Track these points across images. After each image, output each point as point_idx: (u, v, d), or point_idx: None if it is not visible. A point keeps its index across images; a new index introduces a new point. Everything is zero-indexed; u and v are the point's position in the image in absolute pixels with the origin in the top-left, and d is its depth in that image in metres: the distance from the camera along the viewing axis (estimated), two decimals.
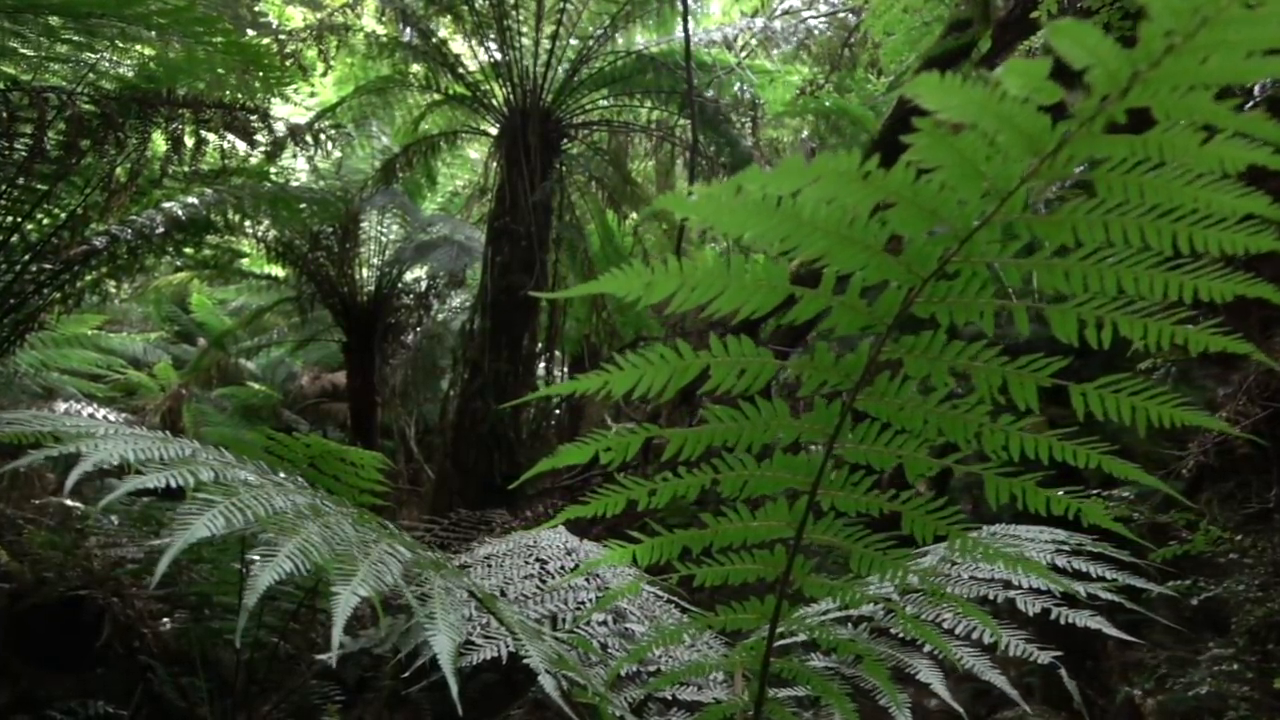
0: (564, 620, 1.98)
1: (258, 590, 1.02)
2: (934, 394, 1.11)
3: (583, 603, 2.02)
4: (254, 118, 6.14)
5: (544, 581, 2.08)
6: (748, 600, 1.50)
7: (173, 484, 1.15)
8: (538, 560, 2.18)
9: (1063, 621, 1.72)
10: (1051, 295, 0.93)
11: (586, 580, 2.10)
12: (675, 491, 1.25)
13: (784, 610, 1.38)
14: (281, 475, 1.50)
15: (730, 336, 1.02)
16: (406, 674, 1.82)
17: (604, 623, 2.00)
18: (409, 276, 10.62)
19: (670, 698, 1.82)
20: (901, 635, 1.75)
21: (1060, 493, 1.17)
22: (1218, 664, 2.72)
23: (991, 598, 1.70)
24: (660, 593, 2.22)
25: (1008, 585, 1.72)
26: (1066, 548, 1.83)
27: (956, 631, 1.68)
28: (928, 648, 1.69)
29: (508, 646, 1.79)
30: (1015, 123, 0.74)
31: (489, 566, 2.15)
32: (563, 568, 2.16)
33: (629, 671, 1.83)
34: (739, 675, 1.67)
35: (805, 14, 11.39)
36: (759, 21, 10.88)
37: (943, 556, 1.79)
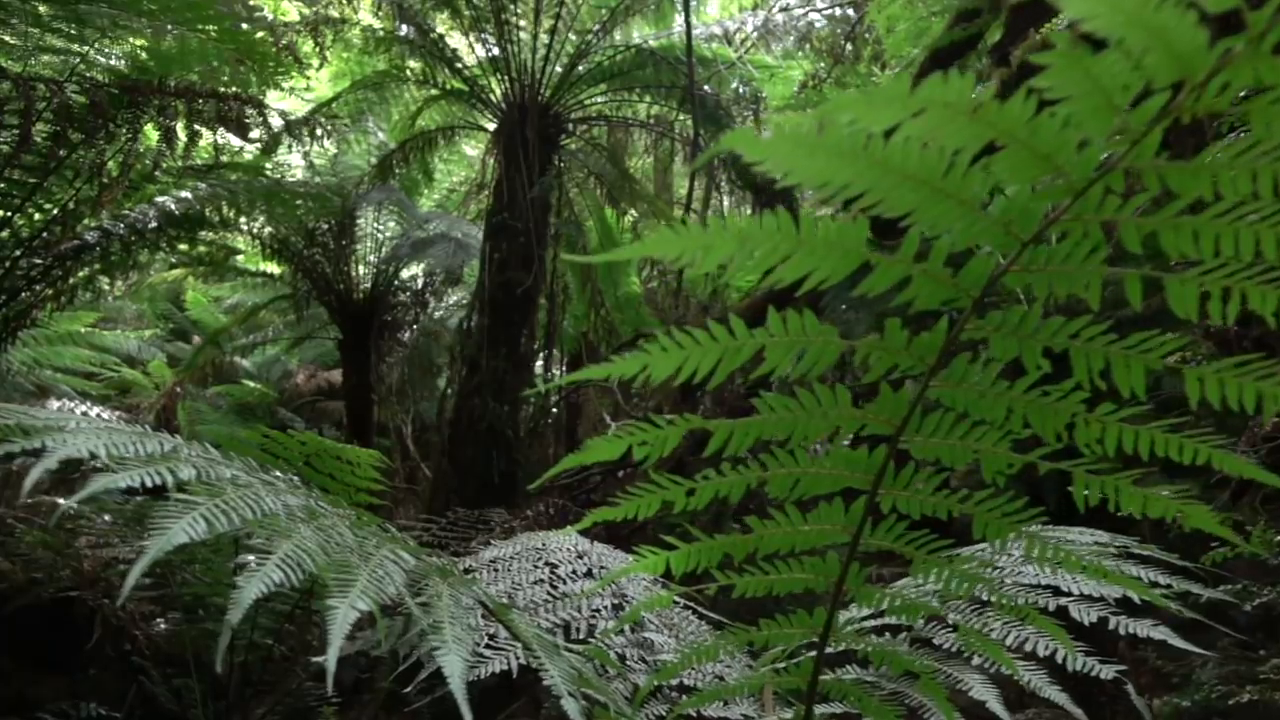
0: (577, 628, 1.85)
1: (243, 604, 0.90)
2: (1021, 379, 0.98)
3: (597, 610, 1.90)
4: (249, 108, 6.02)
5: (555, 587, 1.96)
6: (776, 608, 1.38)
7: (148, 482, 1.03)
8: (547, 564, 2.05)
9: (1122, 630, 1.60)
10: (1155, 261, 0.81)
11: (602, 587, 1.97)
12: (717, 491, 1.12)
13: (834, 623, 1.25)
14: (275, 474, 1.38)
15: (790, 311, 0.90)
16: (409, 688, 1.70)
17: (621, 631, 1.88)
18: (406, 274, 10.51)
19: (694, 714, 1.69)
20: (947, 646, 1.63)
21: (1161, 492, 1.05)
22: (1260, 671, 2.61)
23: (1042, 605, 1.58)
24: (676, 598, 2.10)
25: (1056, 592, 1.60)
26: (1112, 550, 1.72)
27: (1007, 642, 1.55)
28: (976, 659, 1.57)
29: (518, 658, 1.67)
30: (1169, 38, 0.62)
31: (495, 571, 2.02)
32: (574, 572, 2.04)
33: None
34: (767, 689, 1.55)
35: (801, 10, 11.29)
36: (760, 15, 10.77)
37: (979, 560, 1.67)
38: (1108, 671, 1.57)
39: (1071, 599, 1.59)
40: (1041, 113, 0.69)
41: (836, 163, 0.72)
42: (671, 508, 1.12)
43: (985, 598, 1.53)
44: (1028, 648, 1.54)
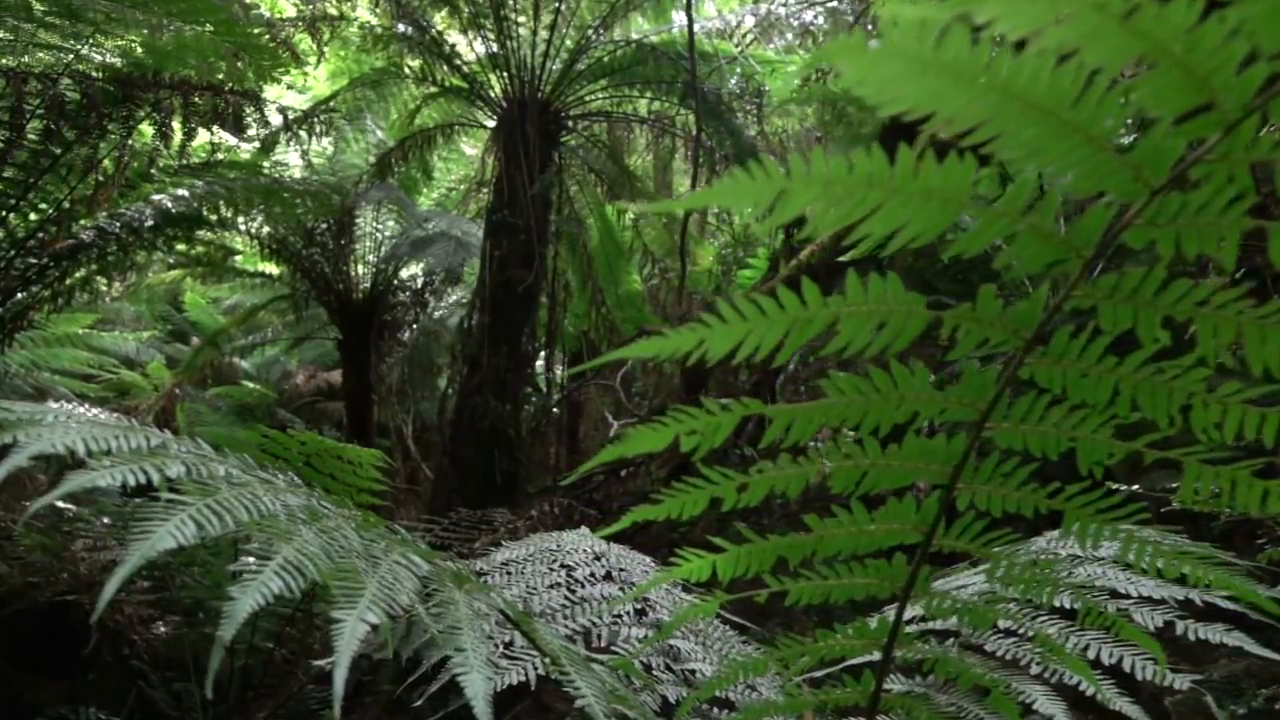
0: (598, 635, 1.74)
1: (237, 618, 0.79)
2: (1133, 355, 0.86)
3: (619, 615, 1.79)
4: (245, 102, 5.90)
5: (572, 591, 1.85)
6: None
7: (130, 479, 0.93)
8: (563, 567, 1.94)
9: (1191, 636, 1.48)
10: None
11: (621, 590, 1.86)
12: (772, 486, 1.01)
13: (901, 632, 1.14)
14: (273, 472, 1.27)
15: (873, 274, 0.78)
16: (420, 701, 1.59)
17: (644, 638, 1.77)
18: (405, 273, 10.43)
19: None
20: (1000, 654, 1.52)
21: None
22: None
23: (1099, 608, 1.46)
24: (693, 599, 1.99)
25: (1114, 594, 1.48)
26: (1165, 547, 1.60)
27: (1065, 647, 1.43)
28: (1034, 668, 1.46)
29: (535, 669, 1.56)
30: None
31: (509, 574, 1.91)
32: (592, 575, 1.92)
33: (678, 697, 1.60)
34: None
35: (800, 5, 11.19)
36: (762, 8, 10.68)
37: (1022, 562, 1.55)
38: (1183, 681, 1.46)
39: (1132, 601, 1.48)
40: (1207, 19, 0.57)
41: (951, 86, 0.61)
42: (720, 504, 1.01)
43: (1036, 601, 1.41)
44: (1090, 654, 1.43)
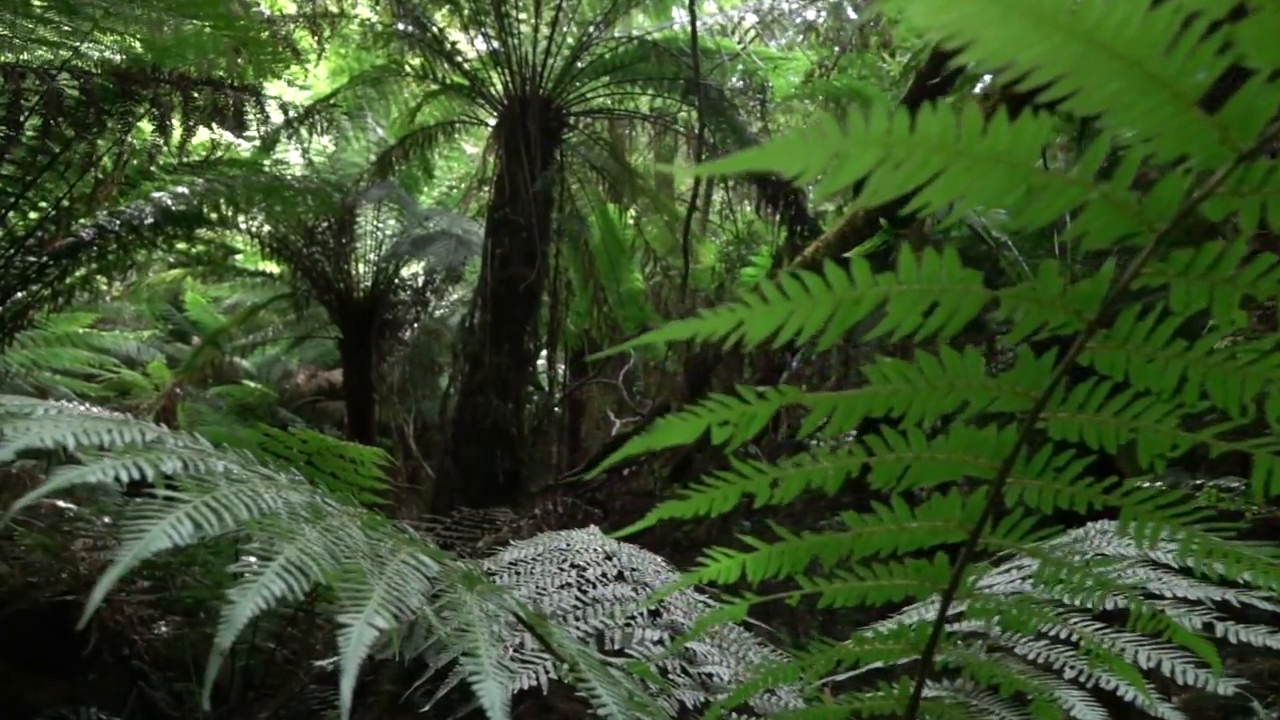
0: (612, 638, 1.69)
1: (236, 623, 0.74)
2: (1204, 339, 0.80)
3: (633, 617, 1.74)
4: (245, 97, 5.85)
5: (584, 592, 1.79)
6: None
7: (124, 475, 0.87)
8: (573, 566, 1.89)
9: (1233, 639, 1.43)
10: None
11: (634, 591, 1.81)
12: (809, 480, 0.95)
13: (942, 635, 1.08)
14: (273, 469, 1.22)
15: (928, 250, 0.72)
16: (428, 707, 1.54)
17: (660, 641, 1.71)
18: (406, 272, 10.39)
19: None
20: (1033, 657, 1.46)
21: None
22: None
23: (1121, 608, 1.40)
24: (710, 601, 1.94)
25: (1149, 596, 1.42)
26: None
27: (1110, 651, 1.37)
28: (1068, 672, 1.40)
29: (548, 673, 1.51)
30: None
31: (517, 574, 1.86)
32: (604, 575, 1.87)
33: (695, 702, 1.55)
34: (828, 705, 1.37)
35: (801, 4, 11.15)
36: (765, 4, 10.64)
37: (1074, 563, 1.48)
38: (1227, 686, 1.40)
39: (1168, 601, 1.42)
40: None
41: (1032, 31, 0.55)
42: (752, 500, 0.96)
43: (1081, 603, 1.36)
44: (1126, 657, 1.37)
